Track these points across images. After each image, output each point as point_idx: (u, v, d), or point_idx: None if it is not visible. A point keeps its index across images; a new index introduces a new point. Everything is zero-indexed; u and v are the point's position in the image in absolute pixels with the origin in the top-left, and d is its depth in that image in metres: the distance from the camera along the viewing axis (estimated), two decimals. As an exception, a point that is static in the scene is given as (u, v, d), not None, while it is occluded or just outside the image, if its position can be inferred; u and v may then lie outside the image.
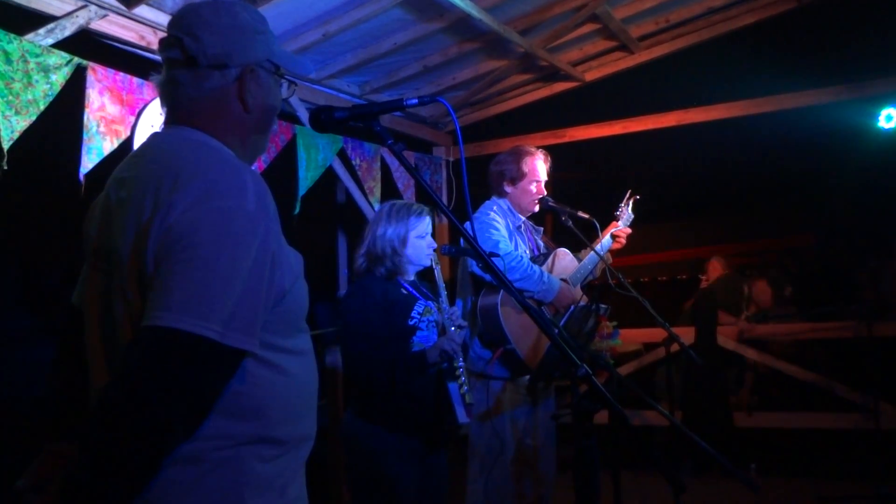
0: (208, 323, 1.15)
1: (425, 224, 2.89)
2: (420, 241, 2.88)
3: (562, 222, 3.52)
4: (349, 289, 2.91)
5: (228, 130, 1.42)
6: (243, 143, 1.45)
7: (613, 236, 3.67)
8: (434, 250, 2.92)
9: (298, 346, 1.39)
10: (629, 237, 3.71)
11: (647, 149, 6.63)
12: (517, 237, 3.51)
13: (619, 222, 3.72)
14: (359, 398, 2.83)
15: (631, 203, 3.78)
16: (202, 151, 1.33)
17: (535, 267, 3.37)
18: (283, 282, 1.30)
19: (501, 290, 3.26)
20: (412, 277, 2.96)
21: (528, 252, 3.53)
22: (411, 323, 2.81)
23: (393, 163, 5.07)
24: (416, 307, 2.84)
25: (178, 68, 1.40)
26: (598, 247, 3.58)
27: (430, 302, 2.90)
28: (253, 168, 1.36)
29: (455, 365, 2.74)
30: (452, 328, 2.77)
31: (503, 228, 3.43)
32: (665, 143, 6.34)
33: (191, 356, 1.14)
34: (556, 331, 2.07)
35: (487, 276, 3.28)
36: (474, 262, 3.33)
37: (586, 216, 3.54)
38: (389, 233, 2.86)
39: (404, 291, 2.87)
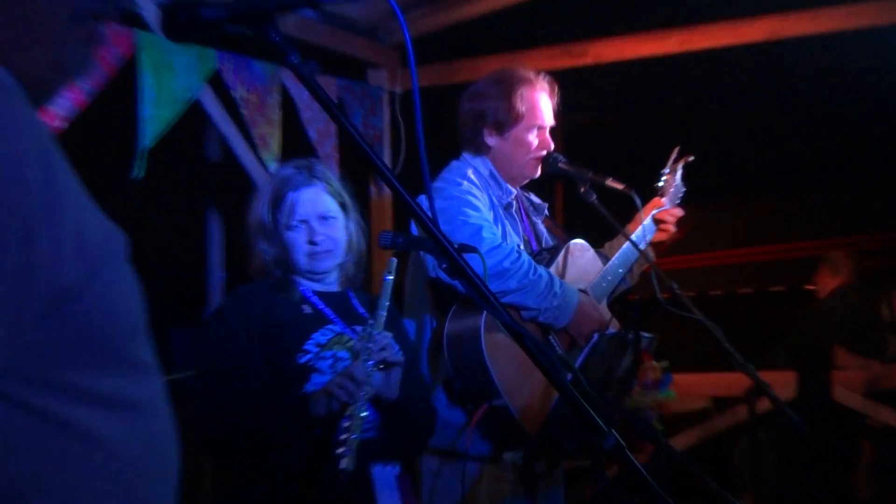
0: None
1: (290, 204, 2.88)
2: (294, 235, 2.88)
3: (580, 196, 3.53)
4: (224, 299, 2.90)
5: None
6: (20, 57, 1.41)
7: (656, 220, 3.69)
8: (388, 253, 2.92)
9: (122, 391, 1.33)
10: (680, 221, 3.74)
11: (715, 80, 6.69)
12: (506, 221, 3.51)
13: (665, 198, 3.75)
14: (227, 475, 2.83)
15: (681, 167, 3.80)
16: None
17: (541, 269, 3.36)
18: (66, 269, 1.25)
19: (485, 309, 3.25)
20: (335, 286, 2.96)
21: (522, 244, 3.53)
22: (303, 360, 2.80)
23: (301, 95, 5.04)
24: (316, 335, 2.84)
25: None
26: (635, 235, 3.59)
27: (350, 327, 2.90)
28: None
29: (354, 413, 2.61)
30: (370, 363, 2.69)
31: (484, 206, 3.43)
32: (745, 72, 6.39)
33: None
34: (571, 375, 2.07)
35: (459, 285, 3.27)
36: (435, 262, 3.32)
37: (620, 186, 3.55)
38: (254, 225, 2.92)
39: (307, 309, 2.88)
